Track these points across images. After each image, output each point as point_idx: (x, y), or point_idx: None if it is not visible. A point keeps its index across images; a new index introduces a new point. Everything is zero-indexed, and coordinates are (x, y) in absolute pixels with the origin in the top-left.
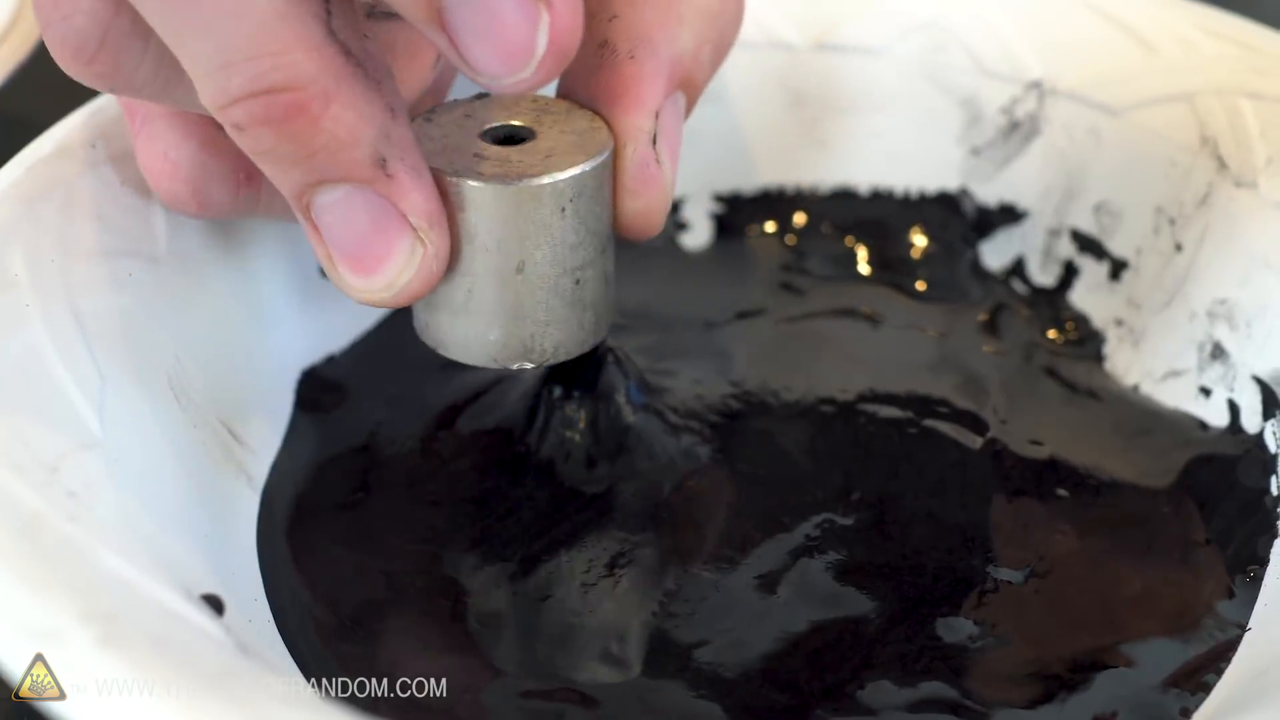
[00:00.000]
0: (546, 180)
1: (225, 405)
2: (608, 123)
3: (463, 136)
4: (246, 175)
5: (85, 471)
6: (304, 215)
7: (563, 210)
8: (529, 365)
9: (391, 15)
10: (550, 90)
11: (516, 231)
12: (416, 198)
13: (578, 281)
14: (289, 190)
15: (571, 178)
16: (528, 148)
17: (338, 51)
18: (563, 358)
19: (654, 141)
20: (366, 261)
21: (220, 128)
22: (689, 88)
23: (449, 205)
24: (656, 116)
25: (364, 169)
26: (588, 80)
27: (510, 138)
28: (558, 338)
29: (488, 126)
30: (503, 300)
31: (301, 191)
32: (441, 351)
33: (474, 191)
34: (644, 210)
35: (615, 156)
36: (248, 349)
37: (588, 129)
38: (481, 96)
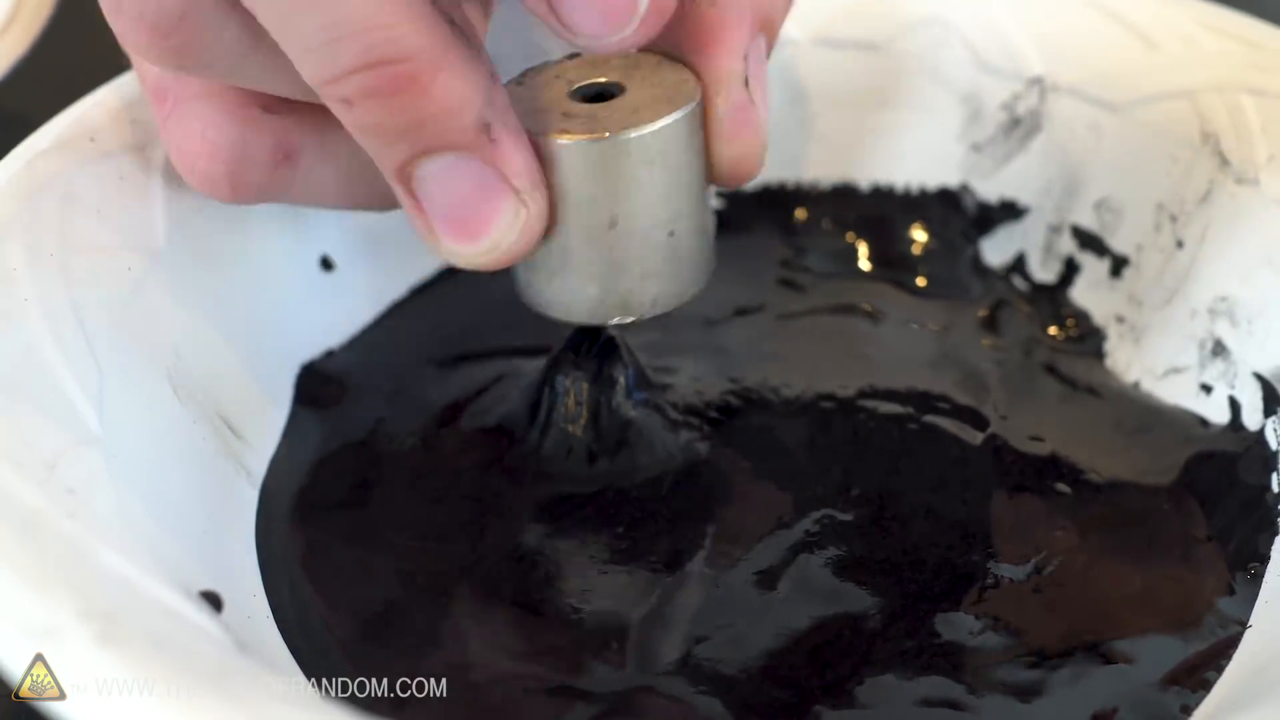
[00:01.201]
0: (633, 134)
1: (225, 400)
2: (696, 72)
3: (552, 96)
4: (285, 155)
5: (84, 468)
6: (404, 187)
7: (651, 163)
8: (629, 319)
9: None
10: None
11: (606, 187)
12: (518, 160)
13: (671, 233)
14: (393, 162)
15: (658, 130)
16: (616, 103)
17: (442, 20)
18: (661, 310)
19: (746, 84)
20: (471, 227)
21: (260, 107)
22: (769, 29)
23: (542, 165)
24: (745, 59)
25: (470, 136)
26: (673, 31)
27: (600, 95)
28: (655, 290)
29: (577, 85)
30: (598, 256)
31: (405, 164)
32: (542, 311)
33: (562, 150)
34: (743, 155)
35: (707, 104)
36: (247, 344)
37: (676, 81)
38: (572, 56)
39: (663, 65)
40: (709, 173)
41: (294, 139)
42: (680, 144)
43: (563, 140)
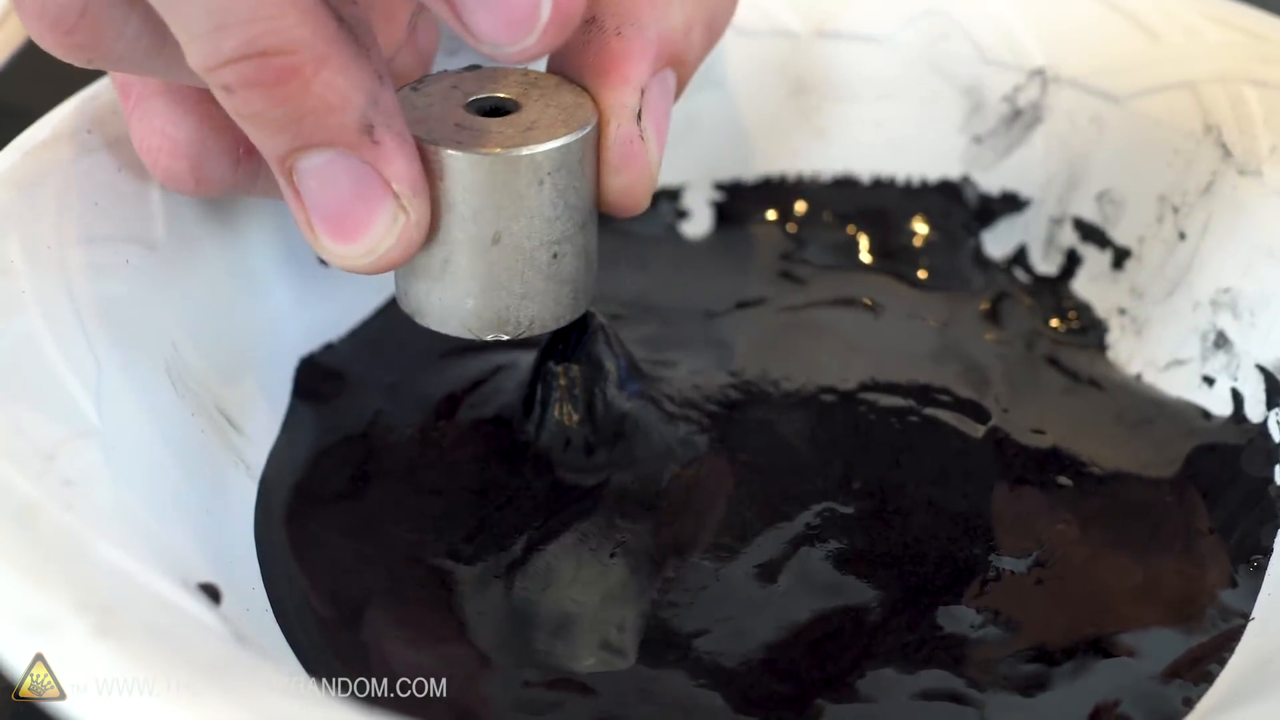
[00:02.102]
0: (525, 152)
1: (223, 393)
2: (593, 99)
3: (447, 107)
4: (246, 150)
5: (82, 460)
6: (286, 179)
7: (540, 183)
8: (504, 337)
9: None
10: (540, 65)
11: (493, 202)
12: (401, 165)
13: (555, 255)
14: (273, 154)
15: (549, 150)
16: (510, 119)
17: (330, 16)
18: (538, 331)
19: (639, 118)
20: (347, 227)
21: (219, 103)
22: (679, 66)
23: (429, 173)
24: (642, 93)
25: (351, 134)
26: (575, 56)
27: (496, 110)
28: (533, 311)
29: (474, 98)
30: (478, 270)
31: (286, 155)
32: (419, 320)
33: (452, 160)
34: (627, 187)
35: (600, 132)
36: (246, 337)
37: (573, 104)
38: (472, 68)
39: (561, 87)
40: (597, 198)
41: None
42: (571, 167)
43: (452, 151)
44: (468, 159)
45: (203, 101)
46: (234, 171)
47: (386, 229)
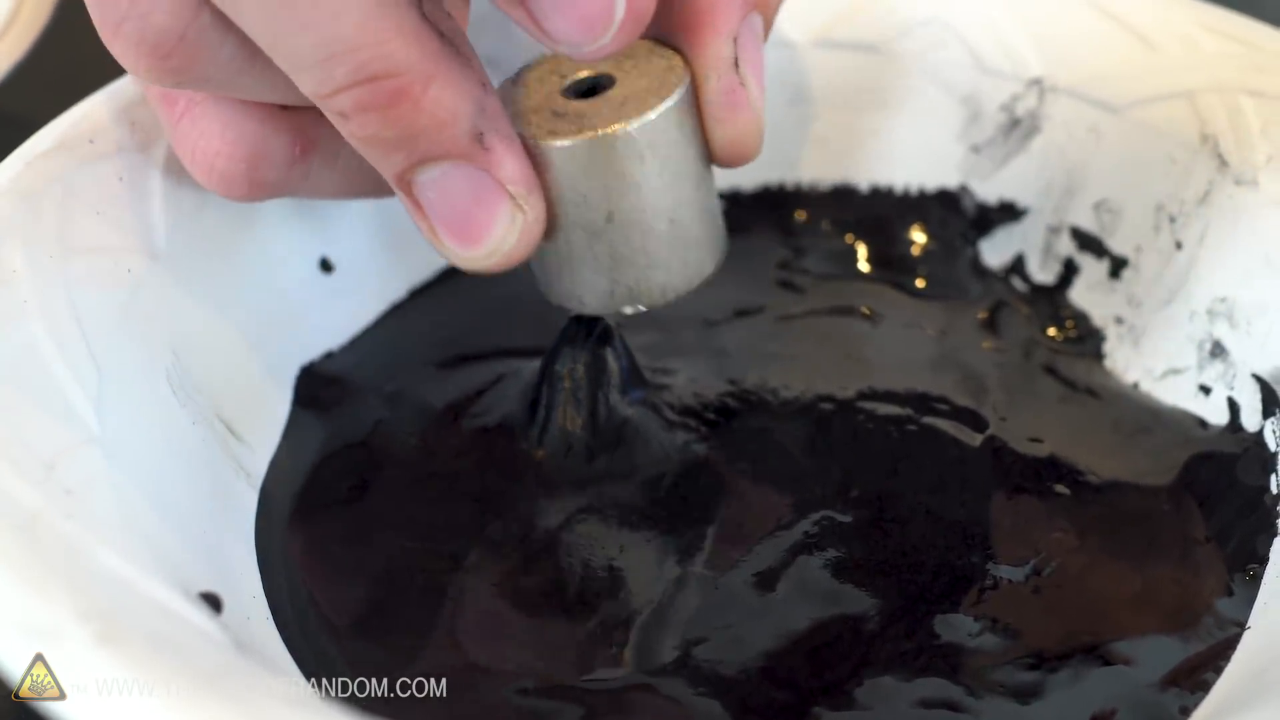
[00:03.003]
0: (619, 131)
1: (224, 402)
2: (686, 56)
3: (544, 95)
4: (301, 150)
5: (83, 469)
6: (405, 193)
7: (641, 157)
8: (643, 307)
9: None
10: None
11: (598, 184)
12: (512, 167)
13: (672, 221)
14: (391, 172)
15: (643, 125)
16: (605, 98)
17: (432, 34)
18: (673, 298)
19: (735, 66)
20: (470, 232)
21: (277, 103)
22: (764, 8)
23: (536, 167)
24: (735, 41)
25: (463, 145)
26: (664, 16)
27: (593, 88)
28: (662, 279)
29: (569, 80)
30: (600, 250)
31: (403, 172)
32: (559, 303)
33: (552, 152)
34: (737, 136)
35: (698, 88)
36: (246, 345)
37: (664, 69)
38: None
39: (654, 52)
40: (709, 155)
41: (310, 133)
42: (669, 134)
43: (550, 143)
44: (567, 148)
45: (262, 106)
46: (288, 171)
47: (507, 229)
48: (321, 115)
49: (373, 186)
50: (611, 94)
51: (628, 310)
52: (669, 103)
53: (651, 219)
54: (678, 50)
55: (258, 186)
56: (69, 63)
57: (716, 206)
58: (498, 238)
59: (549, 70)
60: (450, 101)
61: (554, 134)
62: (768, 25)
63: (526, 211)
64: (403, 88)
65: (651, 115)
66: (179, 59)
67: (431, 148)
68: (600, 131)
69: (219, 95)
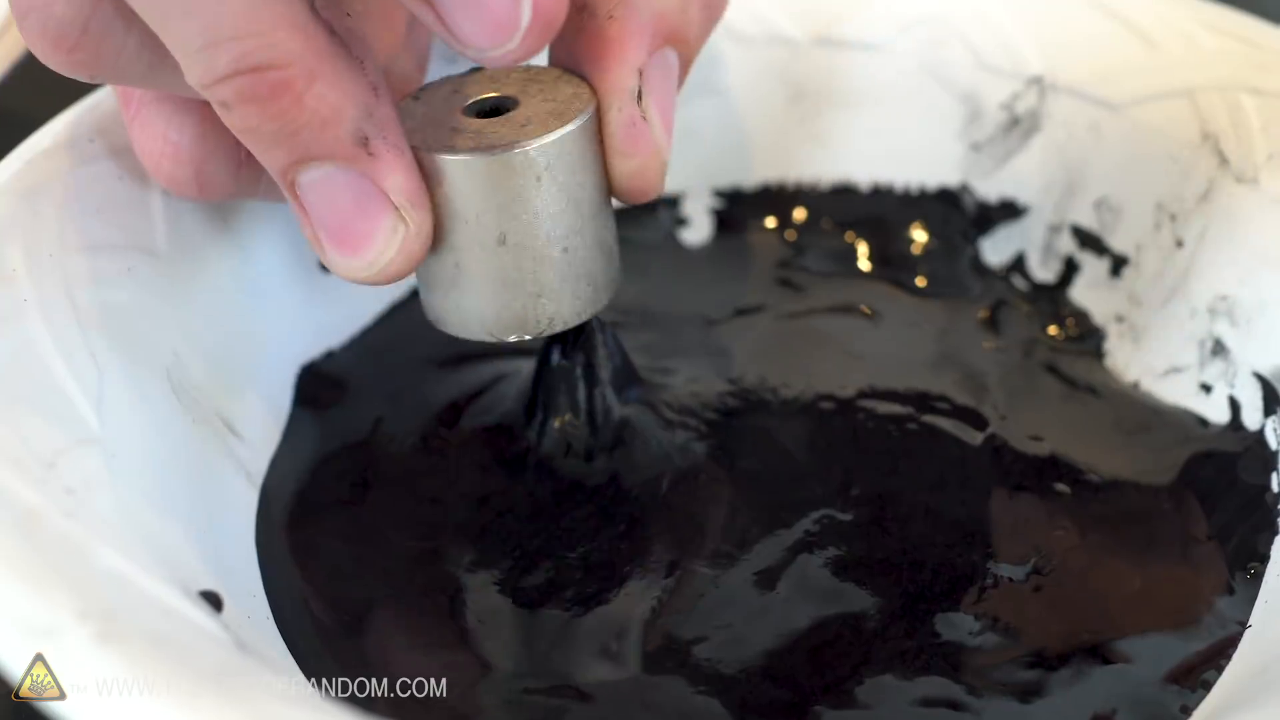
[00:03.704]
0: (517, 150)
1: (224, 400)
2: (592, 86)
3: (446, 112)
4: (247, 154)
5: (83, 467)
6: (290, 193)
7: (538, 179)
8: (526, 337)
9: None
10: (542, 59)
11: (493, 203)
12: (398, 176)
13: (565, 249)
14: (274, 168)
15: (543, 145)
16: (506, 118)
17: (321, 30)
18: (559, 328)
19: (639, 99)
20: (350, 240)
21: None
22: (679, 45)
23: (428, 181)
24: (641, 74)
25: (346, 147)
26: (571, 45)
27: (495, 109)
28: (551, 308)
29: (473, 100)
30: (489, 273)
31: (286, 169)
32: (441, 328)
33: (446, 165)
34: (637, 170)
35: (602, 118)
36: (247, 344)
37: (571, 95)
38: (475, 70)
39: (561, 80)
40: (609, 188)
41: None
42: (569, 159)
43: (445, 157)
44: (461, 163)
45: (204, 106)
46: (236, 176)
47: (387, 240)
48: None
49: None
50: (514, 115)
51: (511, 339)
52: (570, 127)
53: (545, 246)
54: (586, 80)
55: (207, 189)
56: None
57: (613, 241)
58: (378, 249)
59: (453, 90)
60: (334, 100)
61: (450, 148)
62: (685, 62)
63: (409, 225)
64: (285, 81)
65: (551, 137)
66: (84, 52)
67: (312, 147)
68: (498, 149)
69: (166, 97)
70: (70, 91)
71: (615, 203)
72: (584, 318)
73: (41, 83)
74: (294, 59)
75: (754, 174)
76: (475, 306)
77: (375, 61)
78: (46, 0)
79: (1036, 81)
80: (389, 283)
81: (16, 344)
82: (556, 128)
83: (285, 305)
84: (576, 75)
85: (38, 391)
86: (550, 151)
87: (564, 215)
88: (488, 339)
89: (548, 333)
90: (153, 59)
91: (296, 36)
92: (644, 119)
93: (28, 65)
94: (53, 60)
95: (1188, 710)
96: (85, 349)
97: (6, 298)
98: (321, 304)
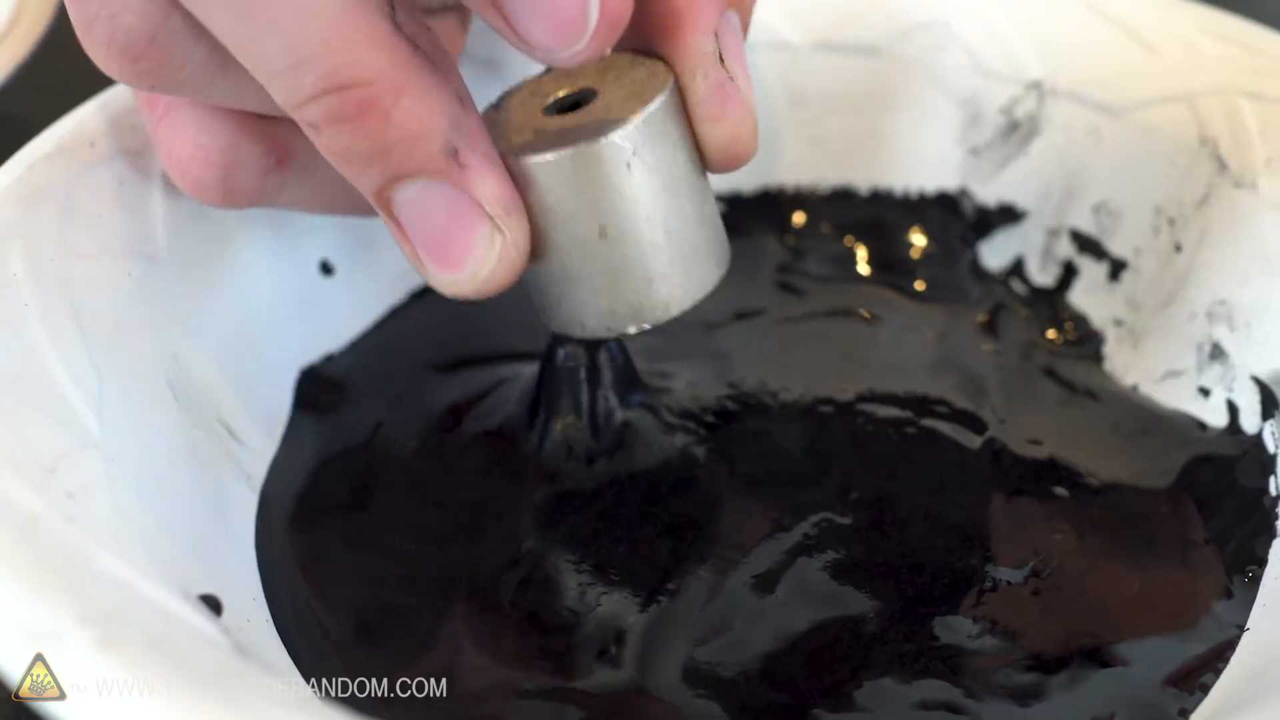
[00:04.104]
0: (601, 141)
1: (224, 404)
2: (669, 60)
3: (527, 114)
4: (277, 160)
5: (83, 472)
6: (385, 213)
7: (627, 166)
8: (647, 325)
9: (433, 7)
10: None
11: (586, 198)
12: (490, 186)
13: (668, 231)
14: (369, 189)
15: (627, 131)
16: (585, 111)
17: (404, 44)
18: (677, 311)
19: (721, 61)
20: (449, 254)
21: (253, 112)
22: (739, 6)
23: (520, 187)
24: (716, 37)
25: (437, 161)
26: (642, 25)
27: (576, 104)
28: (665, 292)
29: (552, 98)
30: (596, 268)
31: (380, 189)
32: (562, 331)
33: (533, 168)
34: (732, 135)
35: (685, 90)
36: (247, 348)
37: (646, 76)
38: (550, 70)
39: (635, 63)
40: (703, 161)
41: (286, 144)
42: (655, 139)
43: (534, 159)
44: (549, 163)
45: (236, 111)
46: (263, 181)
47: (485, 251)
48: (297, 127)
49: (354, 204)
50: (593, 106)
51: (631, 330)
52: (652, 107)
53: (647, 231)
54: (660, 58)
55: (233, 195)
56: (70, 66)
57: (715, 214)
58: (477, 260)
59: (530, 92)
60: (422, 115)
61: (535, 150)
62: (745, 23)
63: (506, 234)
64: (372, 98)
65: (635, 121)
66: (150, 61)
67: (404, 163)
68: (582, 143)
69: (196, 100)
70: (71, 96)
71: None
72: (701, 295)
73: (42, 87)
74: (379, 75)
75: (753, 178)
76: (589, 304)
77: (457, 72)
78: (115, 10)
79: (1035, 86)
80: (494, 294)
81: (17, 349)
82: (638, 110)
83: (285, 309)
84: (649, 55)
85: (38, 396)
86: (635, 135)
87: (661, 197)
88: (610, 335)
89: (666, 318)
90: (216, 70)
91: (381, 53)
92: (731, 79)
93: (29, 70)
94: (115, 68)
95: (1186, 713)
96: (85, 353)
97: (7, 302)
98: (321, 307)
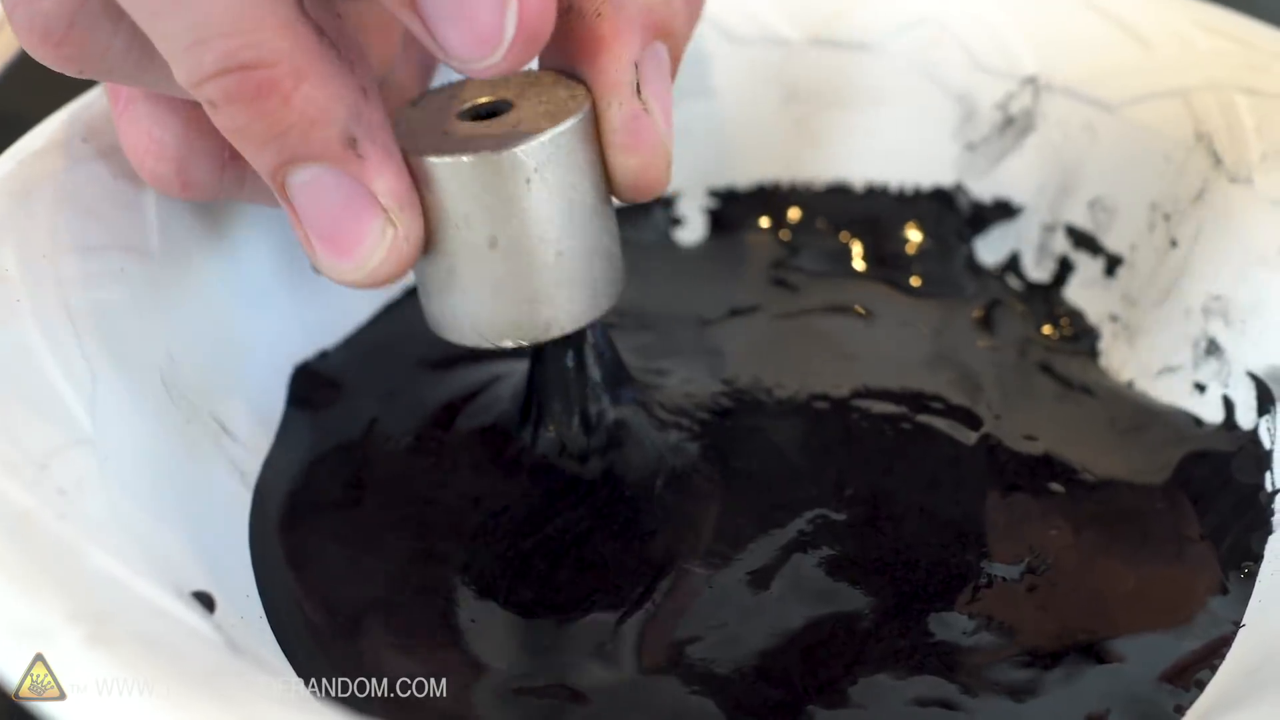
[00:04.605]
0: (505, 151)
1: (217, 401)
2: (588, 84)
3: (441, 117)
4: (231, 154)
5: (76, 468)
6: (280, 194)
7: (528, 181)
8: (524, 342)
9: None
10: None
11: (481, 206)
12: (387, 178)
13: (559, 254)
14: (264, 169)
15: (531, 147)
16: (498, 121)
17: (310, 30)
18: (556, 334)
19: (638, 92)
20: (340, 242)
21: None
22: (668, 38)
23: (419, 185)
24: (636, 68)
25: (334, 148)
26: (563, 47)
27: (491, 113)
28: (547, 314)
29: (468, 104)
30: (481, 277)
31: (275, 170)
32: (439, 333)
33: (434, 168)
34: (642, 166)
35: (600, 117)
36: (240, 344)
37: (566, 97)
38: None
39: (558, 83)
40: (611, 189)
41: None
42: (561, 160)
43: (434, 159)
44: (448, 165)
45: (188, 105)
46: (220, 175)
47: (375, 243)
48: None
49: None
50: (507, 118)
51: (508, 344)
52: (561, 128)
53: (538, 250)
54: (583, 82)
55: (190, 188)
56: None
57: (614, 243)
58: (366, 251)
59: (450, 96)
60: (322, 101)
61: (438, 150)
62: (674, 57)
63: (399, 227)
64: (272, 80)
65: (542, 139)
66: (71, 47)
67: (300, 147)
68: (486, 151)
69: (149, 92)
70: (63, 92)
71: (616, 202)
72: (581, 323)
73: (34, 83)
74: (281, 58)
75: (749, 174)
76: (470, 312)
77: (367, 65)
78: None
79: (1031, 81)
80: (379, 286)
81: (9, 345)
82: (547, 128)
83: (278, 305)
84: (574, 79)
85: (30, 392)
86: (540, 153)
87: (557, 218)
88: (484, 345)
89: (544, 339)
90: (140, 56)
91: (284, 35)
92: (646, 111)
93: (20, 66)
94: (40, 54)
95: (1181, 710)
96: (78, 350)
97: None
98: (315, 304)
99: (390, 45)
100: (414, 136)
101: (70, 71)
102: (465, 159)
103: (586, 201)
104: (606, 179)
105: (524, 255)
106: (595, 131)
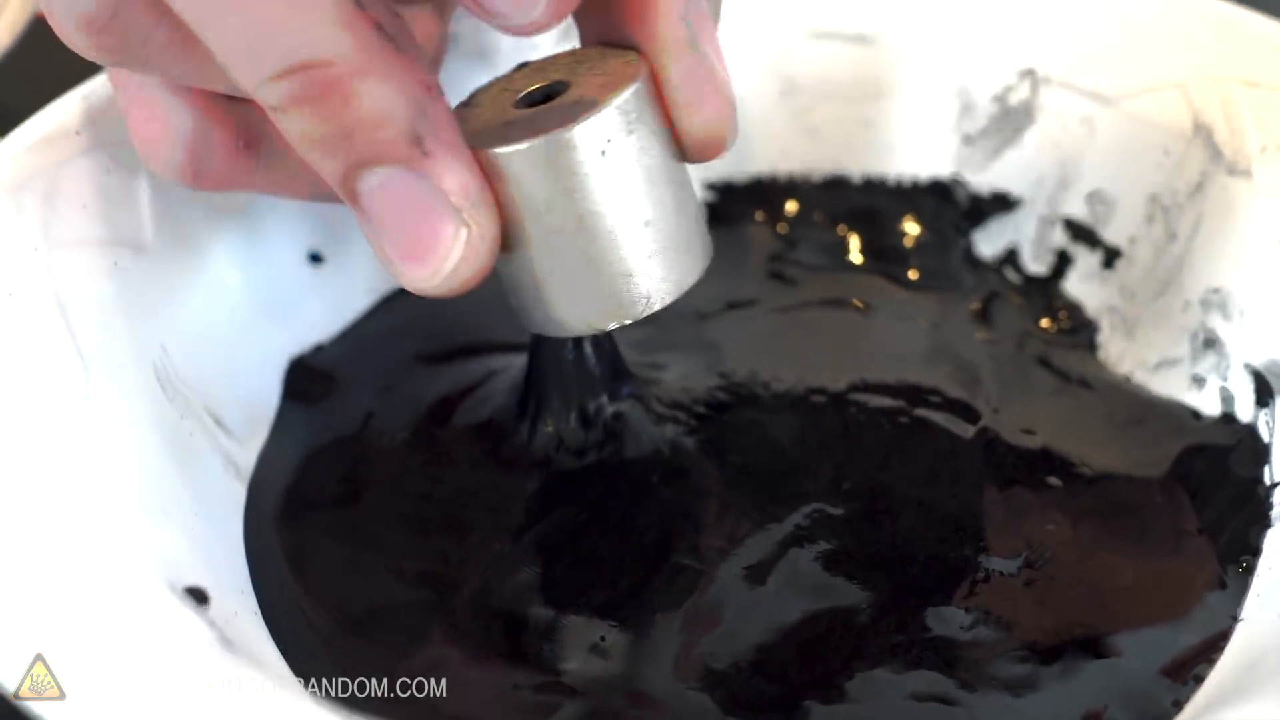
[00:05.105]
0: (574, 127)
1: (212, 395)
2: (641, 48)
3: (498, 108)
4: (245, 144)
5: (68, 463)
6: (352, 204)
7: (602, 153)
8: (628, 320)
9: None
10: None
11: (559, 188)
12: (457, 176)
13: (648, 223)
14: (334, 177)
15: (600, 117)
16: (557, 102)
17: (368, 26)
18: (660, 305)
19: (694, 46)
20: (414, 248)
21: (222, 94)
22: None
23: (491, 181)
24: (688, 23)
25: (401, 148)
26: (609, 15)
27: (547, 97)
28: (646, 286)
29: (524, 92)
30: (573, 262)
31: (345, 177)
32: (541, 331)
33: (505, 159)
34: (710, 121)
35: (659, 77)
36: (235, 338)
37: (620, 65)
38: (521, 67)
39: (607, 54)
40: (680, 151)
41: (255, 127)
42: (631, 126)
43: (504, 149)
44: (517, 153)
45: (203, 93)
46: (232, 165)
47: (450, 245)
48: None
49: (330, 190)
50: (565, 97)
51: (612, 326)
52: (626, 93)
53: (624, 222)
54: (633, 48)
55: (202, 178)
56: (55, 55)
57: (696, 206)
58: (443, 255)
59: (501, 89)
60: (384, 98)
61: (506, 140)
62: (716, 10)
63: (472, 227)
64: (332, 80)
65: (609, 106)
66: (112, 38)
67: (366, 149)
68: (555, 130)
69: (166, 82)
70: (56, 84)
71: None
72: (683, 289)
73: (28, 75)
74: (340, 55)
75: (745, 167)
76: (568, 301)
77: (425, 60)
78: None
79: (1029, 74)
80: (460, 292)
81: (1, 339)
82: (609, 98)
83: (274, 299)
84: (621, 47)
85: (23, 388)
86: (610, 121)
87: (639, 186)
88: (591, 331)
89: (648, 312)
90: (177, 50)
91: (343, 33)
92: (706, 64)
93: (14, 58)
94: (77, 42)
95: (1180, 704)
96: (72, 345)
97: None
98: (310, 297)
99: (427, 49)
100: (477, 131)
101: (106, 62)
102: (535, 143)
103: (662, 165)
104: (676, 141)
105: (611, 231)
106: (657, 94)
